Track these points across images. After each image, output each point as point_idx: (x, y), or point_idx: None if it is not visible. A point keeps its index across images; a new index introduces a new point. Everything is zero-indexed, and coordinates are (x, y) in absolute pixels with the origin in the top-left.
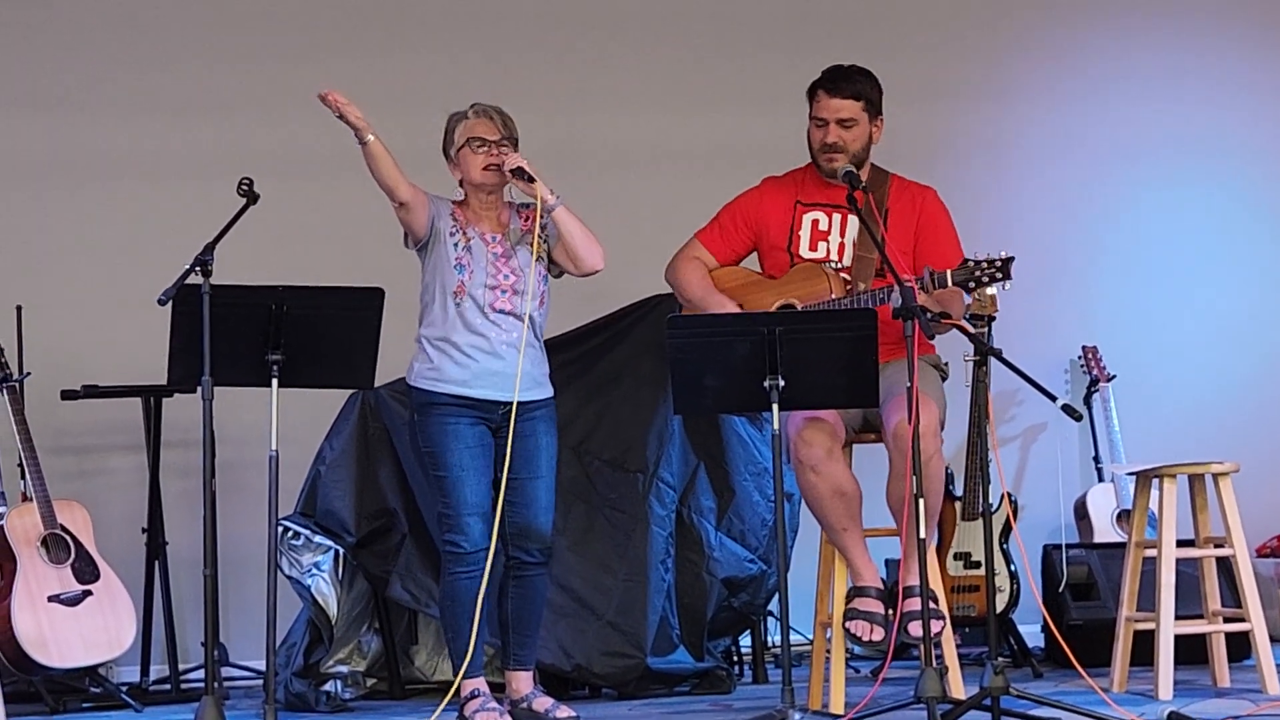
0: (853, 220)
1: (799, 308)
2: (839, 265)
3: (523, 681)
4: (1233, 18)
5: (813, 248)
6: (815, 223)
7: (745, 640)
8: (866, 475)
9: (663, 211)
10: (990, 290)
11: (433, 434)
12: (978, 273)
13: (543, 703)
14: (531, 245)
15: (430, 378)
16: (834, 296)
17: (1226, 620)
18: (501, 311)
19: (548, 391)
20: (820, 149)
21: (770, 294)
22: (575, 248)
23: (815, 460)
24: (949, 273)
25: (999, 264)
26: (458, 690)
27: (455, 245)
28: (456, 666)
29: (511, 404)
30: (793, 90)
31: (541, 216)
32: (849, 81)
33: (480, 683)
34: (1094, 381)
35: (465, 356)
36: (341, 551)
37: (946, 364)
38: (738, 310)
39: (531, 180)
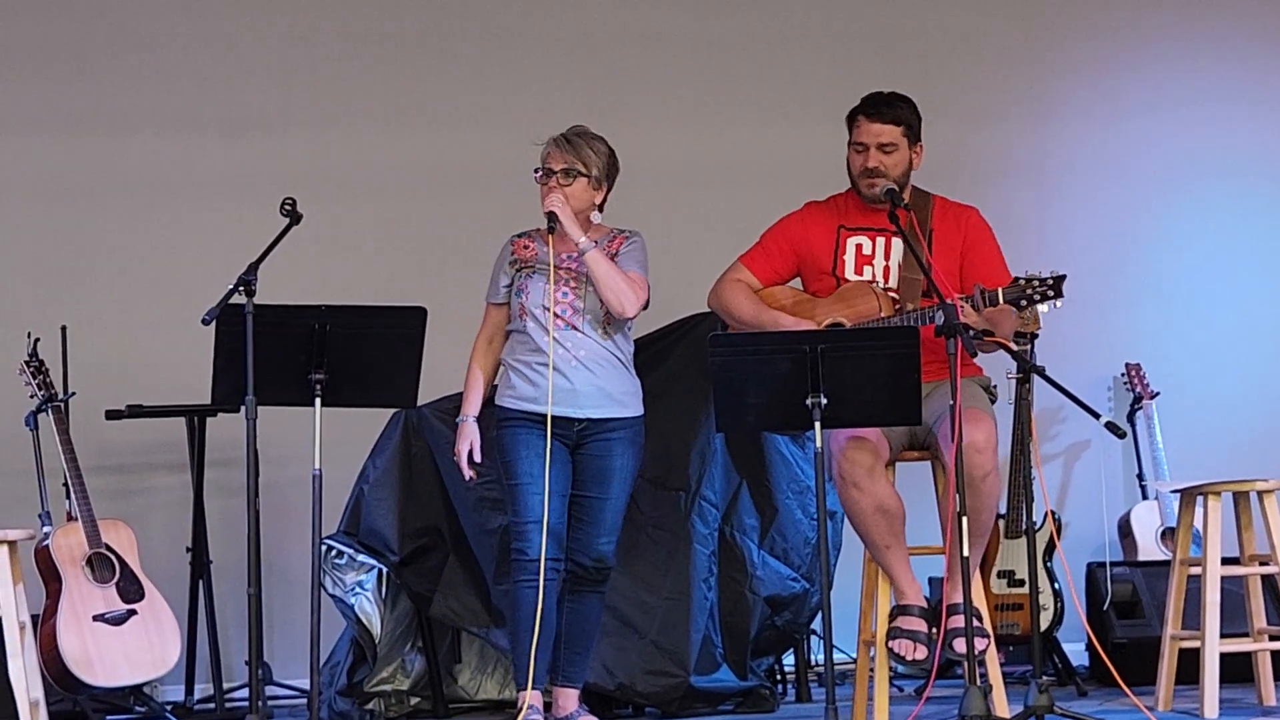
0: (897, 243)
1: (848, 326)
2: (885, 287)
3: (569, 699)
4: (1278, 41)
5: (858, 271)
6: (859, 247)
7: (788, 659)
8: (910, 493)
9: (705, 230)
10: (1042, 308)
11: (506, 445)
12: (1029, 290)
13: None
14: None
15: (508, 396)
16: (883, 315)
17: (1272, 638)
18: (565, 328)
19: (630, 410)
20: (861, 174)
21: (819, 312)
22: (602, 293)
23: (858, 477)
24: (1000, 290)
25: (1050, 282)
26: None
27: (517, 275)
28: (516, 678)
29: (588, 420)
30: (834, 110)
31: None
32: (889, 107)
33: (535, 696)
34: (1137, 399)
35: (534, 373)
36: (385, 570)
37: (995, 386)
38: (794, 324)
39: (552, 230)
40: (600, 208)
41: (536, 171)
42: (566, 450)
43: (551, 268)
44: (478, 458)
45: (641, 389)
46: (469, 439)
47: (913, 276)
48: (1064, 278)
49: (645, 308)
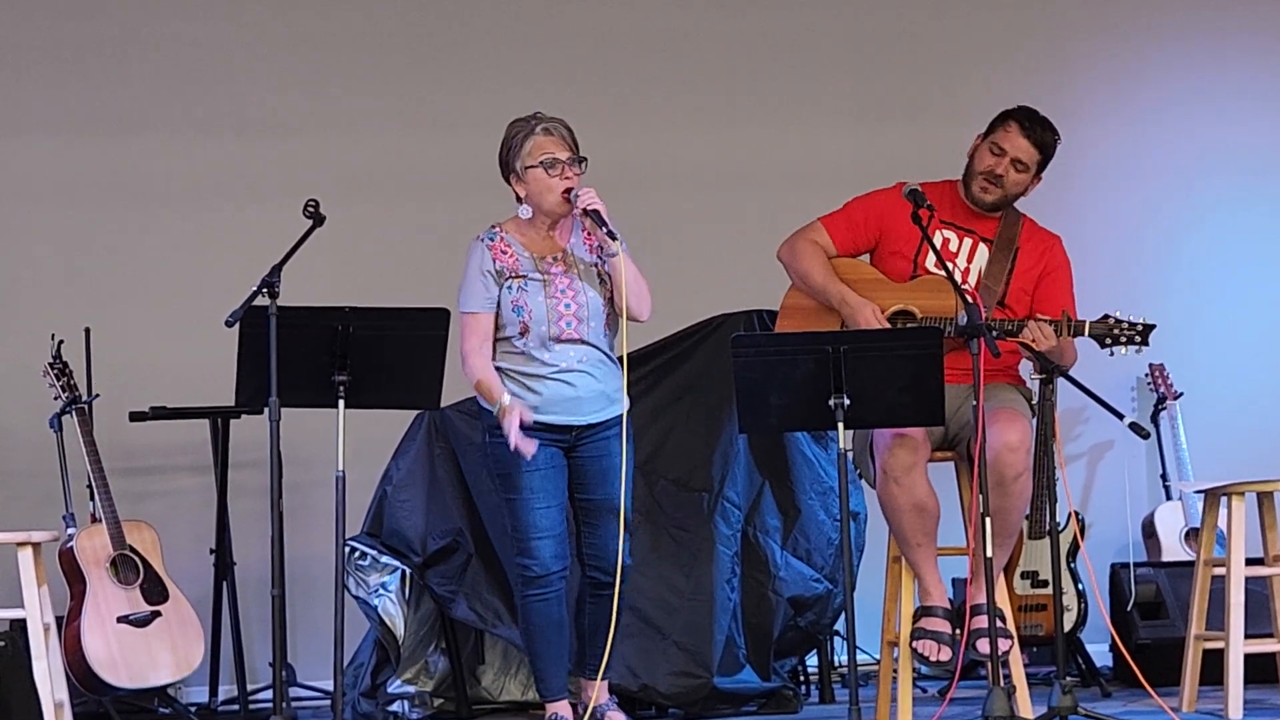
0: (982, 249)
1: (919, 316)
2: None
3: (599, 691)
4: None
5: (938, 266)
6: (946, 241)
7: (812, 660)
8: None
9: (722, 232)
10: (1124, 353)
11: (504, 457)
12: (1116, 331)
13: (615, 717)
14: (597, 274)
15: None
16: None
17: None
18: (568, 340)
19: (622, 406)
20: (984, 172)
21: (891, 297)
22: (627, 297)
23: (899, 472)
24: (1088, 322)
25: (1140, 329)
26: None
27: (510, 288)
28: (538, 690)
29: (584, 425)
30: (853, 110)
31: (601, 253)
32: (1044, 129)
33: (563, 707)
34: (1161, 399)
35: (535, 382)
36: (408, 571)
37: (1036, 403)
38: (859, 303)
39: (607, 231)
40: None
41: (539, 161)
42: (562, 455)
43: (622, 272)
44: (530, 419)
45: (661, 390)
46: (516, 412)
47: (992, 285)
48: (1153, 327)
49: None
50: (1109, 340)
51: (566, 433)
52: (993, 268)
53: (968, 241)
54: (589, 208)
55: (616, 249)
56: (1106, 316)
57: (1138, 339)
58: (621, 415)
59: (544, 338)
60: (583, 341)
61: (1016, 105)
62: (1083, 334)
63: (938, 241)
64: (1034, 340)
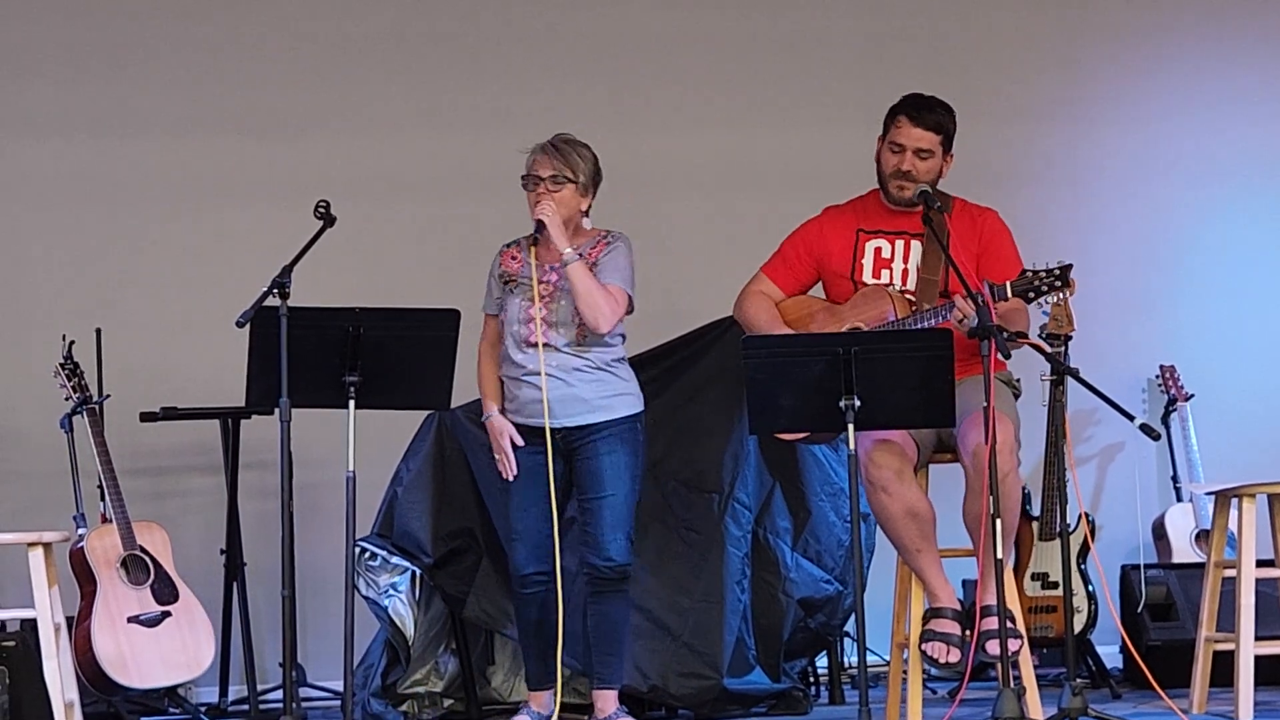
0: (915, 246)
1: (866, 330)
2: (902, 290)
3: (607, 701)
4: None
5: (875, 275)
6: (878, 250)
7: (822, 661)
8: (943, 495)
9: (732, 233)
10: (1052, 298)
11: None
12: (1036, 282)
13: None
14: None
15: (507, 408)
16: (898, 317)
17: None
18: (540, 344)
19: (612, 414)
20: (893, 174)
21: (834, 320)
22: (579, 306)
23: (886, 481)
24: (1008, 284)
25: (1057, 272)
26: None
27: (506, 291)
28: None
29: (573, 428)
30: (865, 111)
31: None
32: (932, 112)
33: (536, 699)
34: (1172, 401)
35: (514, 386)
36: (418, 572)
37: (1018, 380)
38: None
39: (535, 242)
40: (586, 213)
41: (524, 179)
42: (543, 460)
43: (535, 282)
44: (519, 441)
45: (671, 392)
46: (505, 433)
47: (930, 278)
48: (1070, 266)
49: (630, 311)
50: (1033, 294)
51: (539, 436)
52: (928, 260)
53: (899, 243)
54: (535, 218)
55: (567, 258)
56: (1024, 271)
57: (1058, 283)
58: (616, 420)
59: (516, 338)
60: (551, 346)
61: (900, 98)
62: (1009, 296)
63: (870, 253)
64: (965, 316)
